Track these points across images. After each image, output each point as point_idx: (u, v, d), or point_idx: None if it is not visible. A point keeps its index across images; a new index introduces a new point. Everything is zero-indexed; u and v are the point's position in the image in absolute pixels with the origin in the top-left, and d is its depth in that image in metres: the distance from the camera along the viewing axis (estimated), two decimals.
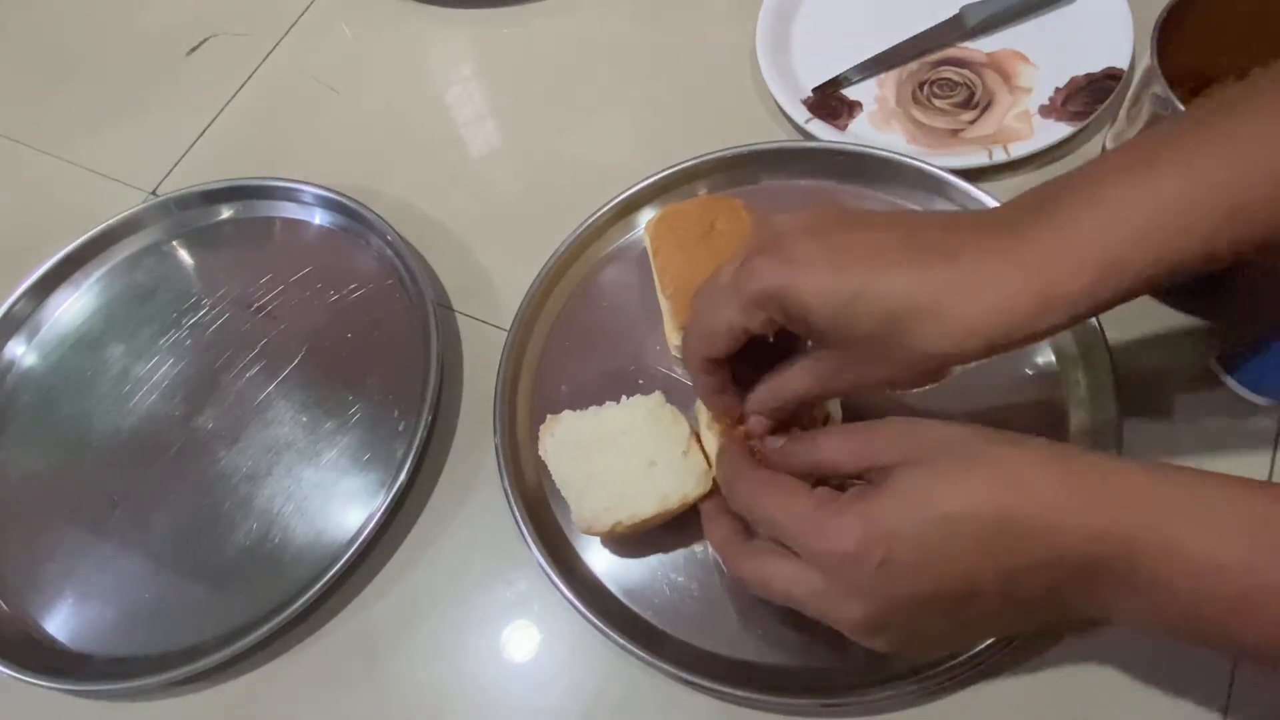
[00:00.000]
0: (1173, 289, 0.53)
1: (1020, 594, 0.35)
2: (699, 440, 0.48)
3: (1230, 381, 0.51)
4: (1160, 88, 0.46)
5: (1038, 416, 0.51)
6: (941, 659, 0.45)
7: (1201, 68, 0.50)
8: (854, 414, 0.47)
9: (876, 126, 0.63)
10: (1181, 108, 0.46)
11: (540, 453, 0.49)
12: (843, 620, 0.37)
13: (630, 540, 0.50)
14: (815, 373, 0.40)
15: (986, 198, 0.56)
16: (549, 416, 0.50)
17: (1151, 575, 0.33)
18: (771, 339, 0.41)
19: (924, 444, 0.36)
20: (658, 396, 0.49)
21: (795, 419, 0.44)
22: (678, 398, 0.51)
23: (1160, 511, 0.33)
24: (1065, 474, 0.34)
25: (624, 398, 0.50)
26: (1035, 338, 0.35)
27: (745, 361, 0.43)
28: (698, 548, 0.50)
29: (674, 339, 0.54)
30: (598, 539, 0.51)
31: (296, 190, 0.65)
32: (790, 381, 0.41)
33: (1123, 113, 0.52)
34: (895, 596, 0.35)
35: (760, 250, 0.39)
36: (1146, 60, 0.47)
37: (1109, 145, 0.57)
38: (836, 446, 0.40)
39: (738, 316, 0.39)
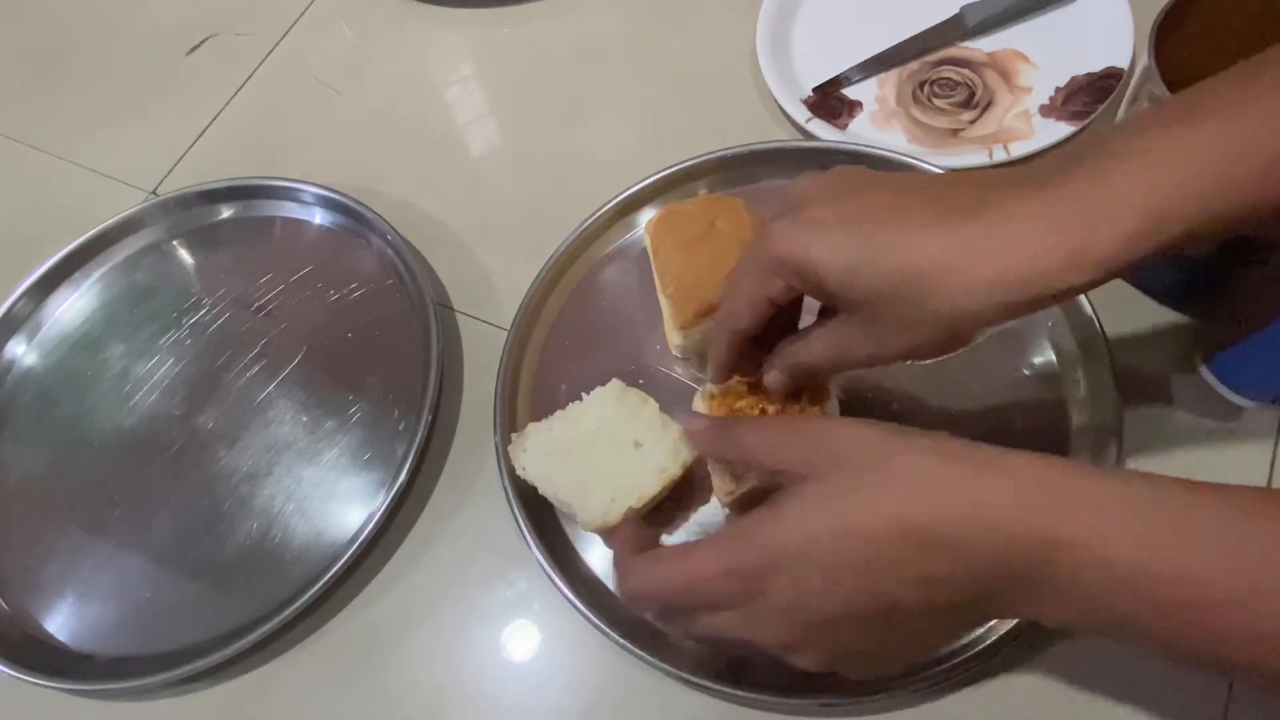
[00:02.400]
0: (1169, 288, 0.53)
1: (940, 603, 0.33)
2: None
3: (1214, 382, 0.51)
4: (1158, 87, 0.46)
5: (1038, 416, 0.51)
6: (939, 659, 0.45)
7: (1200, 68, 0.50)
8: (850, 409, 0.47)
9: (877, 126, 0.63)
10: None
11: (519, 472, 0.49)
12: (765, 644, 0.36)
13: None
14: (835, 339, 0.39)
15: None
16: (513, 435, 0.49)
17: (1071, 579, 0.31)
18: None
19: (832, 453, 0.35)
20: (617, 383, 0.50)
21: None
22: (677, 397, 0.51)
23: (1080, 515, 0.31)
24: (974, 480, 0.33)
25: (583, 395, 0.50)
26: (1062, 297, 0.34)
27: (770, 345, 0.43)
28: None
29: (674, 339, 0.54)
30: (598, 538, 0.51)
31: (296, 190, 0.65)
32: (809, 346, 0.40)
33: (1122, 112, 0.52)
34: (808, 617, 0.34)
35: (778, 216, 0.38)
36: (1145, 60, 0.47)
37: None
38: (753, 444, 0.38)
39: (758, 287, 0.39)
